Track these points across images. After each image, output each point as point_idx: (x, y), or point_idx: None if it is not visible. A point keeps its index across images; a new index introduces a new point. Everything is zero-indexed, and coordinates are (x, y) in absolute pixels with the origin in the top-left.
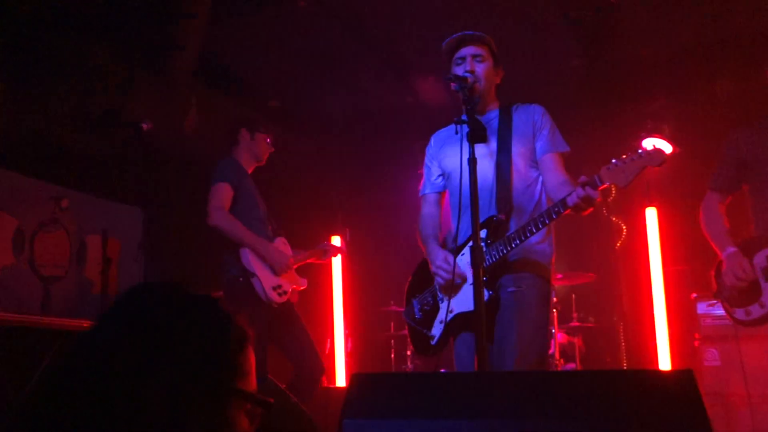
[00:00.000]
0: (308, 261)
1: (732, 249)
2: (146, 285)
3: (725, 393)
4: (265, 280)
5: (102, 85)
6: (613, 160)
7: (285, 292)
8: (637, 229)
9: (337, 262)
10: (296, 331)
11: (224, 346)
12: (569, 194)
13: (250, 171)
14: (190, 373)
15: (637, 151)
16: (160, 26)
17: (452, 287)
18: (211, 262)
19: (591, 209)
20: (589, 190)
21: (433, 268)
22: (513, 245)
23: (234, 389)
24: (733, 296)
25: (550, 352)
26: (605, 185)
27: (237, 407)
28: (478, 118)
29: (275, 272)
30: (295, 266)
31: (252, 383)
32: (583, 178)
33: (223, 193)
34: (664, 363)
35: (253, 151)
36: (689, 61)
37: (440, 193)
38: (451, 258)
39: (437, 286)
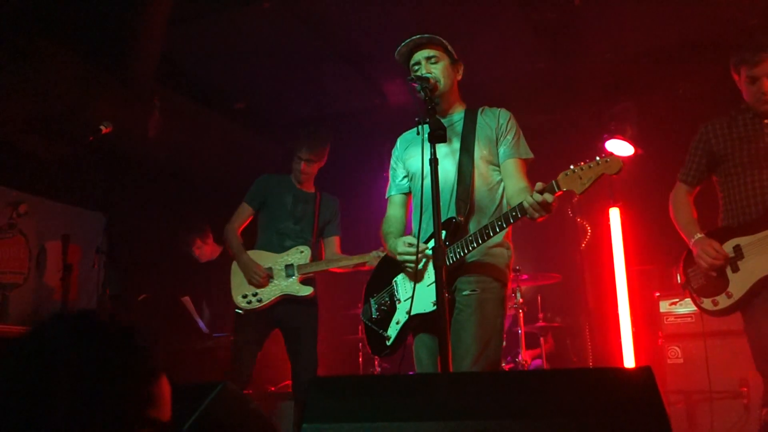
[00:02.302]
0: (346, 270)
1: (700, 235)
2: (59, 314)
3: (688, 390)
4: (235, 288)
5: (62, 87)
6: (571, 166)
7: (259, 301)
8: (602, 229)
9: None
10: (286, 341)
11: (134, 378)
12: (526, 199)
13: (303, 188)
14: (95, 404)
15: (594, 159)
16: (120, 27)
17: (417, 271)
18: (172, 268)
19: (547, 216)
20: (546, 195)
21: (399, 258)
22: (470, 248)
23: (144, 417)
24: (701, 287)
25: (519, 358)
26: (562, 191)
27: None
28: (442, 118)
29: (249, 282)
30: (301, 278)
31: (166, 412)
32: (540, 185)
33: (237, 211)
34: (629, 361)
35: (294, 172)
36: (652, 64)
37: (406, 194)
38: (411, 239)
39: (395, 286)
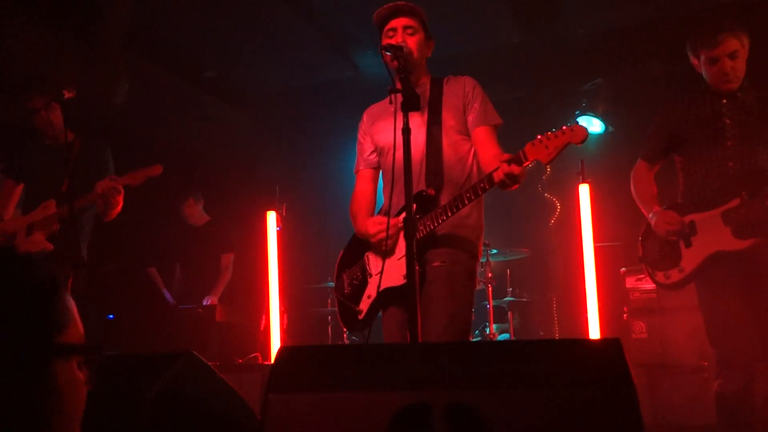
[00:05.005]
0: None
1: (658, 208)
2: None
3: (652, 364)
4: None
5: (23, 50)
6: (538, 137)
7: None
8: (571, 205)
9: (272, 238)
10: None
11: (27, 298)
12: (495, 170)
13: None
14: None
15: (561, 128)
16: None
17: (387, 250)
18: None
19: (516, 185)
20: (513, 166)
21: (372, 240)
22: (440, 221)
23: (54, 345)
24: (656, 260)
25: (486, 332)
26: (529, 161)
27: (63, 363)
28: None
29: None
30: (39, 234)
31: (74, 333)
32: (507, 156)
33: None
34: (595, 336)
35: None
36: (624, 42)
37: (374, 169)
38: (380, 218)
39: (366, 260)
